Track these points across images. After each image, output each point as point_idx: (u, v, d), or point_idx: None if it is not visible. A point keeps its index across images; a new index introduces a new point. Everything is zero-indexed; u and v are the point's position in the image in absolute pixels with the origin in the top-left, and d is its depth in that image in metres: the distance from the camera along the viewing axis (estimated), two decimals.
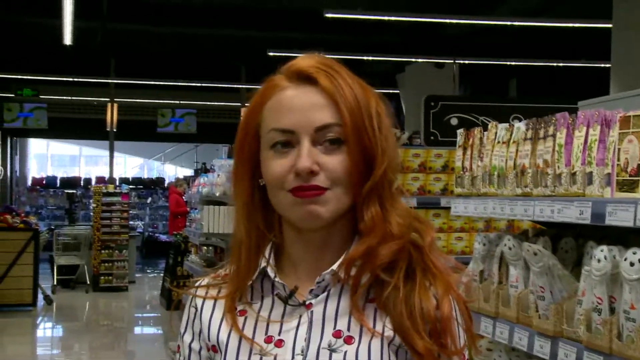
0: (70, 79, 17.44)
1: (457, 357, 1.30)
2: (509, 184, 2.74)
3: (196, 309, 1.42)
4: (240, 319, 1.36)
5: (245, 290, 1.38)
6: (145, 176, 27.79)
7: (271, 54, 13.07)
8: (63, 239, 14.60)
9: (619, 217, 2.01)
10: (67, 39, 12.42)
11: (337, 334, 1.30)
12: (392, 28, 13.07)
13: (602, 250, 2.11)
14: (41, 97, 18.53)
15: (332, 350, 1.29)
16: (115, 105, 18.45)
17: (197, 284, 1.46)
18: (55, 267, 14.07)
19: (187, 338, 1.43)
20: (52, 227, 16.22)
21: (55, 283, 13.88)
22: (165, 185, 23.85)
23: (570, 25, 11.87)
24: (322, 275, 1.32)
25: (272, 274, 1.35)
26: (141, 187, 24.21)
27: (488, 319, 2.78)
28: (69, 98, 19.37)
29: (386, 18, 11.62)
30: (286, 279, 1.35)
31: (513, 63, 14.73)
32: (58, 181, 23.86)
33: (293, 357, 1.30)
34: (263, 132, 1.33)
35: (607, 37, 8.58)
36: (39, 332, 11.58)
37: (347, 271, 1.31)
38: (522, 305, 2.56)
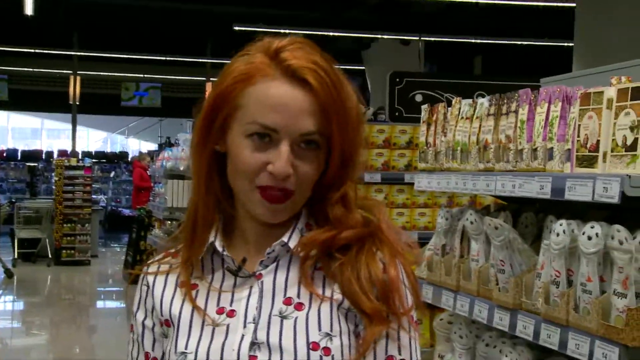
0: (32, 51, 17.13)
1: (406, 318, 1.32)
2: (472, 159, 2.76)
3: (148, 286, 1.43)
4: (192, 292, 1.38)
5: (196, 264, 1.40)
6: (109, 150, 27.49)
7: (237, 28, 12.97)
8: (24, 212, 14.43)
9: (578, 192, 2.05)
10: (29, 9, 12.17)
11: (287, 302, 1.33)
12: (359, 4, 13.04)
13: (561, 225, 2.15)
14: (1, 68, 18.18)
15: (283, 317, 1.32)
16: (78, 77, 18.18)
17: (148, 262, 1.48)
18: (16, 241, 13.91)
19: (140, 316, 1.44)
20: (13, 200, 15.99)
21: (16, 256, 13.73)
22: (129, 159, 23.63)
23: (535, 4, 11.96)
24: (273, 246, 1.35)
25: (220, 248, 1.37)
26: (104, 160, 23.96)
27: (449, 292, 2.82)
28: (31, 70, 19.04)
29: None
30: (236, 252, 1.38)
31: (478, 41, 14.81)
32: (19, 154, 23.50)
33: (245, 326, 1.32)
34: (242, 117, 1.31)
35: (570, 17, 8.66)
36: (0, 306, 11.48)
37: (305, 249, 1.34)
38: (482, 279, 2.60)
